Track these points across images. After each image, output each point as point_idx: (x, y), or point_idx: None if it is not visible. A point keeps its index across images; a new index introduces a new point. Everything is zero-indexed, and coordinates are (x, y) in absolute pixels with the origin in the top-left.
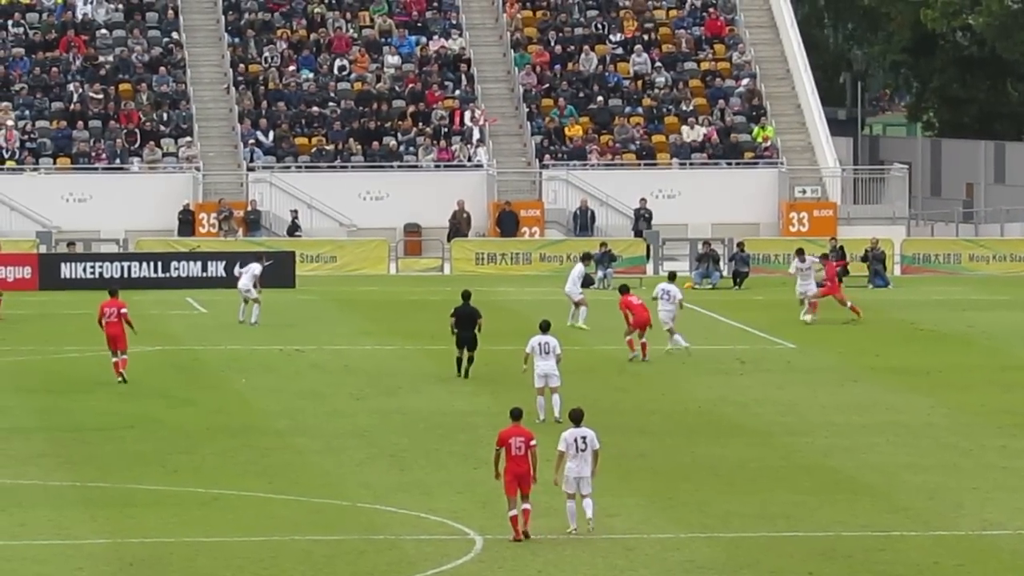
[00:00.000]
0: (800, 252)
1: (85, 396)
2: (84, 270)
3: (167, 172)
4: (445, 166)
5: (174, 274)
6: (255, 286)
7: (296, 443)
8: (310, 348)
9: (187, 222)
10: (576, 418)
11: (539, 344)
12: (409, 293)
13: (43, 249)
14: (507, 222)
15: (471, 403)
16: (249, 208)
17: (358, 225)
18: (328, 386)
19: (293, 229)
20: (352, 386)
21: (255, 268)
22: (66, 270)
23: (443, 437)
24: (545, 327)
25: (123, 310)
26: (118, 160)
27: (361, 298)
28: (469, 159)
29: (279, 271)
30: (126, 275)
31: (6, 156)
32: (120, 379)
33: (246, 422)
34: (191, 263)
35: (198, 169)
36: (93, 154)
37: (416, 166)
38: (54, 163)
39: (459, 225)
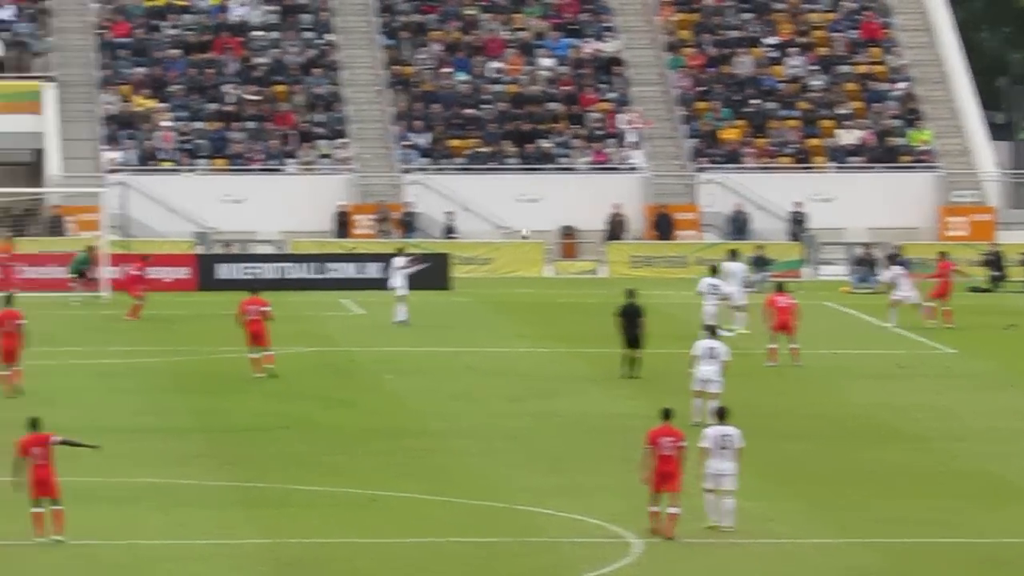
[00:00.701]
0: (892, 258)
1: (242, 396)
2: (241, 271)
3: (322, 174)
4: (600, 169)
5: (329, 275)
6: (403, 282)
7: (453, 445)
8: (466, 350)
9: (342, 223)
10: (720, 415)
11: (706, 348)
12: (564, 296)
13: (200, 250)
14: (663, 225)
15: (628, 406)
16: (404, 210)
17: (513, 227)
18: (484, 388)
19: (448, 231)
20: (508, 388)
21: (398, 262)
22: (223, 271)
23: (600, 440)
24: (712, 331)
25: (264, 308)
26: (274, 161)
27: (516, 300)
28: (623, 162)
29: (433, 273)
30: (281, 276)
31: (163, 157)
32: (264, 375)
33: (402, 424)
34: (346, 264)
35: (353, 171)
36: (249, 155)
37: (571, 169)
38: (210, 164)
39: (615, 228)
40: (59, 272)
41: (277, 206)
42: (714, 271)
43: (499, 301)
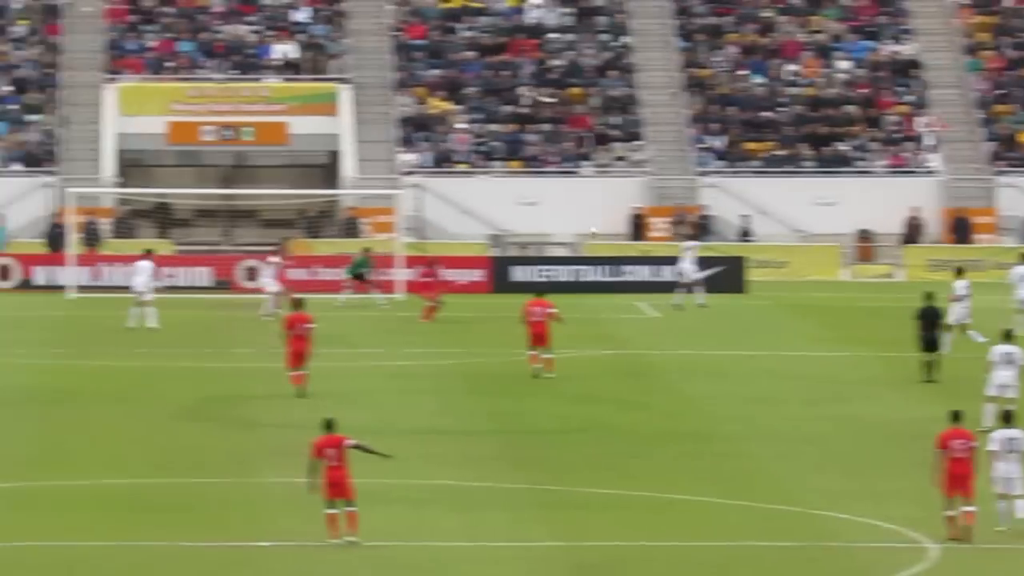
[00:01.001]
0: (960, 272)
1: (537, 399)
2: (535, 273)
3: (617, 176)
4: (897, 172)
5: (624, 278)
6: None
7: (748, 449)
8: (761, 354)
9: (637, 226)
10: (1007, 419)
11: (1002, 353)
12: (861, 299)
13: (495, 252)
14: (961, 229)
15: (926, 410)
16: (700, 213)
17: (809, 231)
18: (780, 392)
19: (744, 234)
20: (805, 392)
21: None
22: (517, 273)
23: (897, 444)
24: (1008, 336)
25: (550, 310)
26: (569, 164)
27: (812, 303)
28: (921, 165)
29: (729, 276)
30: (576, 279)
31: (458, 159)
32: (554, 374)
33: (698, 427)
34: (641, 267)
35: (648, 173)
36: (544, 157)
37: (867, 172)
38: (505, 166)
39: (912, 231)
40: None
41: (571, 208)
42: None
43: (795, 304)
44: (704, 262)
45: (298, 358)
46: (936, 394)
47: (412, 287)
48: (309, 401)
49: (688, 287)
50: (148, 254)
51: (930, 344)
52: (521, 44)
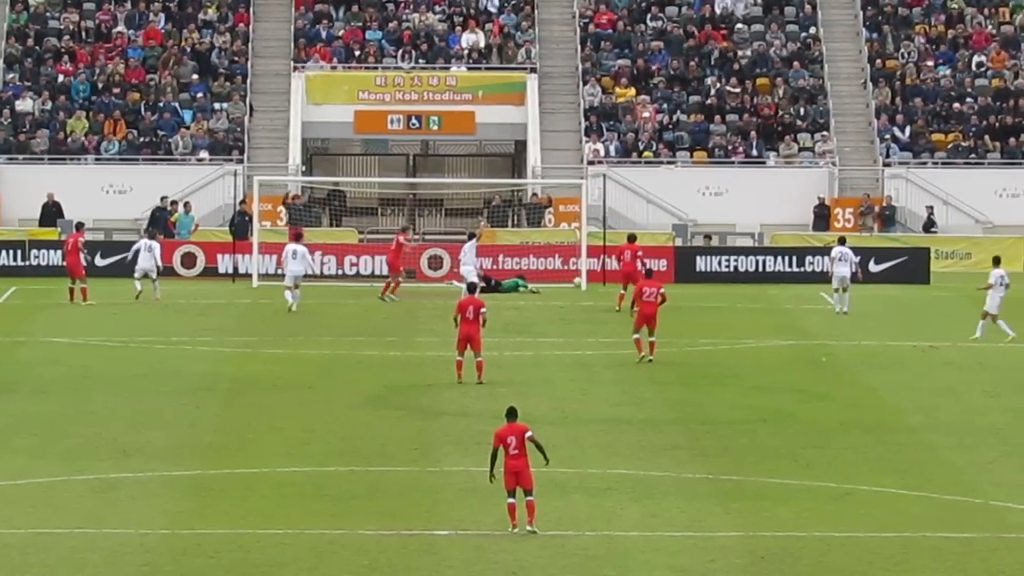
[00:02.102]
0: (997, 261)
1: (718, 389)
2: (719, 263)
3: (803, 167)
4: None
5: (808, 268)
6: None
7: (929, 439)
8: (944, 345)
9: (822, 216)
10: None
11: None
12: None
13: (679, 242)
14: None
15: None
16: (885, 204)
17: (994, 222)
18: (962, 383)
19: (929, 225)
20: (987, 383)
21: (844, 257)
22: (702, 263)
23: None
24: None
25: (661, 290)
26: (754, 154)
27: None
28: None
29: (913, 267)
30: (760, 269)
31: (644, 149)
32: (653, 359)
33: (879, 418)
34: (826, 258)
35: (834, 164)
36: (729, 147)
37: None
38: (691, 156)
39: None
40: (541, 263)
41: (757, 199)
42: None
43: (979, 296)
44: (888, 253)
45: (466, 342)
46: None
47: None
48: (489, 390)
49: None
50: (298, 237)
51: None
52: (709, 34)
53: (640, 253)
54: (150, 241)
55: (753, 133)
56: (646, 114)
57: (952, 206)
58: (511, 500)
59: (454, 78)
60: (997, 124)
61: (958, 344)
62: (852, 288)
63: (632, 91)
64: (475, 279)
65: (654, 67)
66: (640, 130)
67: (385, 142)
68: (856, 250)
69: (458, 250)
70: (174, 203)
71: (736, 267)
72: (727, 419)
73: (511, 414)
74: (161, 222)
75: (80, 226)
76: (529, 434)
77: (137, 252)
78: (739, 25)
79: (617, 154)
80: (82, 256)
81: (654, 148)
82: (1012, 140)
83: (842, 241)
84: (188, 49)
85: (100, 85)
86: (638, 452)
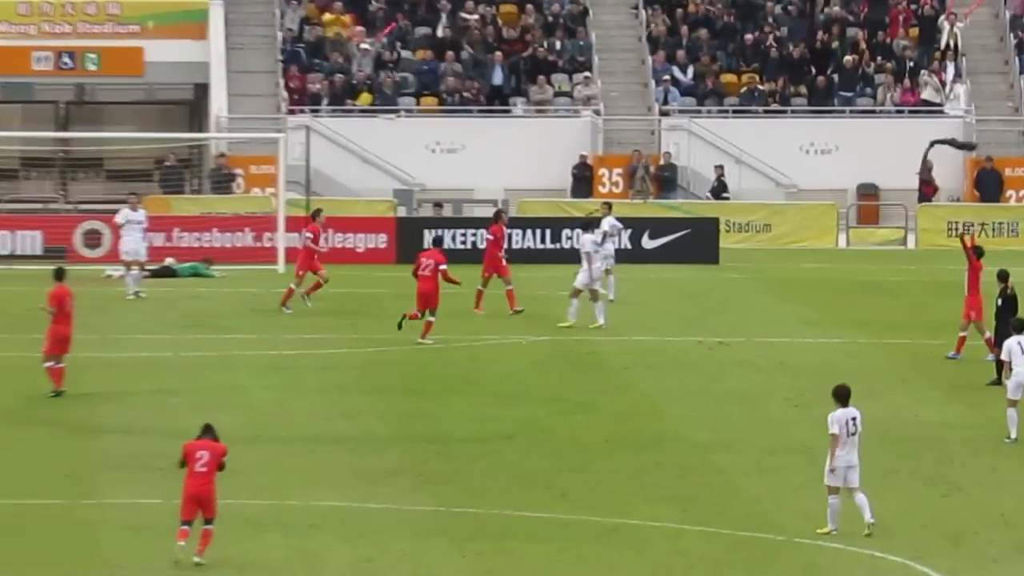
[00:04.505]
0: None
1: (453, 397)
2: (453, 239)
3: (559, 116)
4: (910, 111)
5: (565, 245)
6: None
7: (719, 460)
8: (737, 340)
9: (583, 179)
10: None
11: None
12: (862, 272)
13: (402, 212)
14: (988, 183)
15: (940, 412)
16: (662, 162)
17: (799, 185)
18: (760, 389)
19: (719, 190)
20: (790, 389)
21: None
22: (431, 238)
23: (903, 454)
24: (1020, 327)
25: (443, 265)
26: (497, 101)
27: (802, 277)
28: (941, 103)
29: (699, 243)
30: (506, 245)
31: (359, 92)
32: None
33: (656, 433)
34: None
35: (598, 112)
36: (466, 93)
37: (873, 111)
38: (417, 103)
39: (928, 187)
40: (228, 239)
41: (500, 157)
42: None
43: (780, 278)
44: (667, 225)
45: (60, 344)
46: (952, 392)
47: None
48: (159, 400)
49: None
50: None
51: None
52: None
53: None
54: None
55: (495, 73)
56: (364, 46)
57: (747, 165)
58: (185, 527)
59: (117, 5)
60: (803, 63)
61: (754, 340)
62: (617, 269)
63: (346, 20)
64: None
65: None
66: (355, 70)
67: (29, 86)
68: (625, 221)
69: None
70: None
71: (475, 243)
72: (463, 436)
73: (207, 431)
74: None
75: None
76: (222, 457)
77: None
78: None
79: (325, 102)
80: None
81: (371, 93)
82: (821, 80)
83: (608, 209)
84: None
85: None
86: (350, 479)
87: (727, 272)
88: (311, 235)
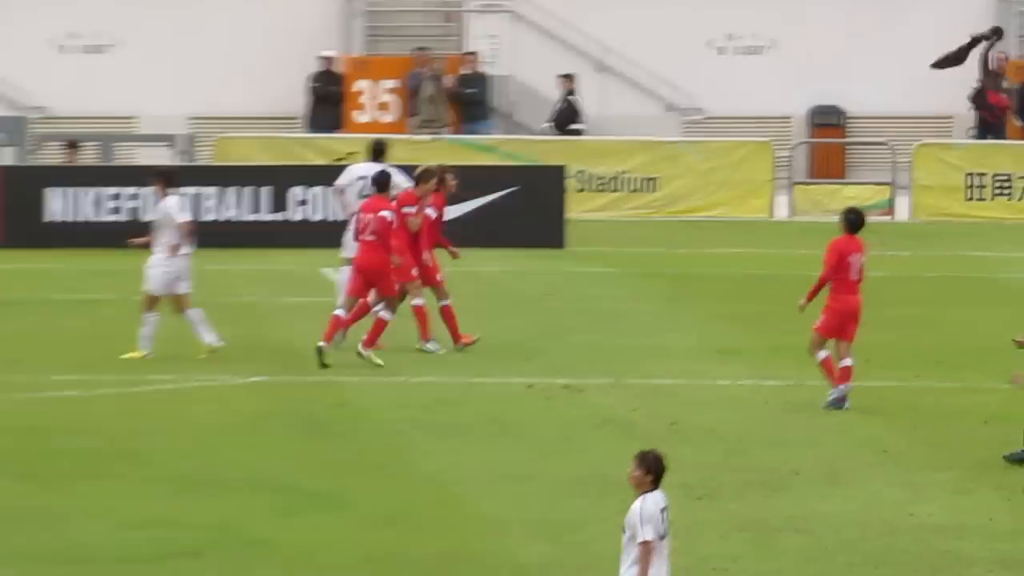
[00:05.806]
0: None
1: (99, 484)
2: (99, 204)
3: None
4: None
5: (298, 215)
6: None
7: None
8: (597, 382)
9: (328, 99)
10: None
11: None
12: (815, 261)
13: (7, 156)
14: None
15: (952, 508)
16: (466, 70)
17: (707, 110)
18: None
19: (564, 117)
20: (690, 472)
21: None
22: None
23: None
24: None
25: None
26: None
27: (712, 271)
28: None
29: (529, 210)
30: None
31: None
32: None
33: (452, 547)
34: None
35: None
36: None
37: None
38: None
39: None
40: None
41: (182, 61)
42: None
43: (675, 273)
44: (476, 178)
45: None
46: (972, 472)
47: None
48: None
49: None
50: None
51: None
52: None
53: None
54: None
55: None
56: None
57: (615, 74)
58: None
59: None
60: None
61: (627, 381)
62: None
63: None
64: None
65: None
66: None
67: None
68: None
69: None
70: None
71: (136, 212)
72: (112, 554)
73: None
74: None
75: None
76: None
77: None
78: None
79: None
80: None
81: None
82: None
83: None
84: None
85: None
86: None
87: (580, 262)
88: None
